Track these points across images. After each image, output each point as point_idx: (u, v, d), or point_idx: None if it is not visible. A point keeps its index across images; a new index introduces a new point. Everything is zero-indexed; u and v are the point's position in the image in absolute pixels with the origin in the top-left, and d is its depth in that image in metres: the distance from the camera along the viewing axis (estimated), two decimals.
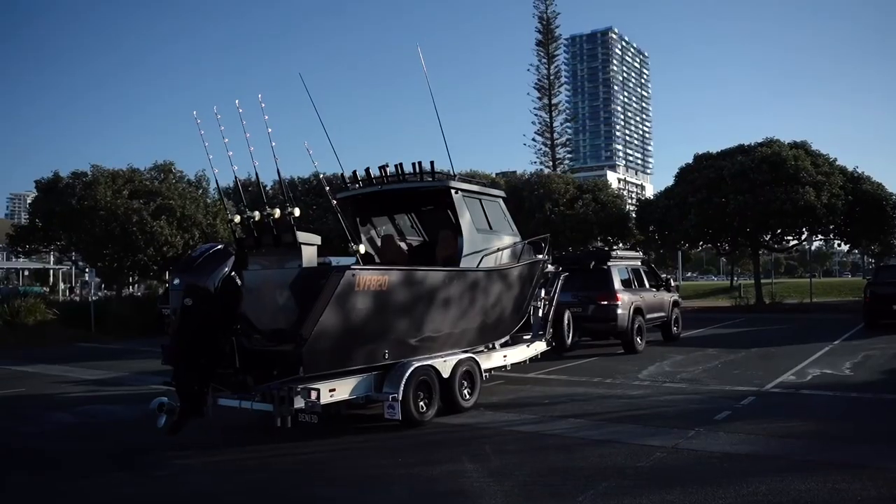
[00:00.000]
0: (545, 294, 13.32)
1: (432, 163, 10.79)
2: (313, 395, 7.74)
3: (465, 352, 10.28)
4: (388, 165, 11.19)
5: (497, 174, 49.92)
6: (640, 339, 16.89)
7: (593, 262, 16.99)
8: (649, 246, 49.44)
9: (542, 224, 38.48)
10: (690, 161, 36.87)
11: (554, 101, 60.27)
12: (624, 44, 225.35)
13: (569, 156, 62.08)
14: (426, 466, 7.31)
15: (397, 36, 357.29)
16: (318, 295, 7.77)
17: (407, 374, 8.79)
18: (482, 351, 11.01)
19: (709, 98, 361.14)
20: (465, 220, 10.62)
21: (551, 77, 60.13)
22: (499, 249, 11.19)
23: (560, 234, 37.05)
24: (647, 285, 18.39)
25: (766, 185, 31.37)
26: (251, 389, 7.98)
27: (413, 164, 10.94)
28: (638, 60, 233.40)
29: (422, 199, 11.92)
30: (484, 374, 10.64)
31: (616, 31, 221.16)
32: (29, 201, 48.17)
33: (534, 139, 59.57)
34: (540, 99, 59.83)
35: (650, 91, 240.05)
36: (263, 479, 7.00)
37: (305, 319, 7.75)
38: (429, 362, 9.33)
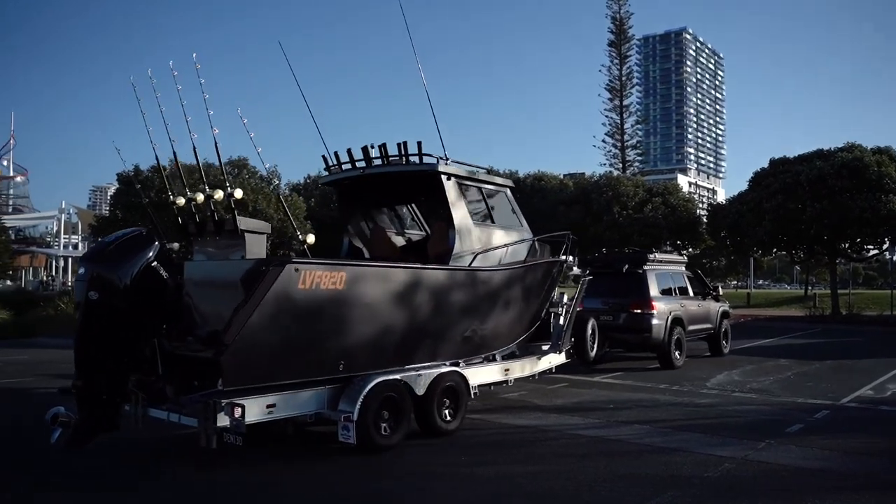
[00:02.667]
0: (567, 300, 11.76)
1: (419, 143, 9.29)
2: (237, 412, 6.41)
3: (450, 364, 8.83)
4: (373, 147, 9.78)
5: (565, 176, 49.68)
6: (679, 354, 15.09)
7: (626, 266, 15.29)
8: (720, 252, 48.36)
9: (610, 227, 38.12)
10: (766, 166, 35.85)
11: (625, 102, 59.71)
12: (698, 44, 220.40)
13: (639, 158, 61.25)
14: (487, 467, 7.30)
15: (459, 35, 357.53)
16: (250, 294, 6.63)
17: (366, 390, 7.38)
18: (477, 363, 9.60)
19: (786, 101, 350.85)
20: (459, 211, 9.23)
21: (623, 78, 59.48)
22: (502, 246, 9.81)
23: (628, 238, 36.60)
24: (691, 293, 16.51)
25: (845, 191, 30.31)
26: (171, 401, 7.01)
27: (398, 145, 9.48)
28: (713, 62, 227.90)
29: (413, 186, 10.52)
30: (474, 391, 9.16)
31: (690, 31, 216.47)
32: (111, 193, 50.12)
33: (604, 141, 59.05)
34: (611, 100, 59.27)
35: (724, 93, 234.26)
36: None
37: (232, 322, 6.56)
38: (398, 376, 7.91)
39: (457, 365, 8.95)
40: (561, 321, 11.26)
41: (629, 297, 14.78)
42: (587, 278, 12.69)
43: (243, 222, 7.56)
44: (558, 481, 6.66)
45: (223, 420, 6.41)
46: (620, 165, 57.47)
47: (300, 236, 7.45)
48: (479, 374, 9.44)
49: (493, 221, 9.88)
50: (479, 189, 9.86)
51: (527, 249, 10.34)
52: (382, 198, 11.15)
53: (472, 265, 9.17)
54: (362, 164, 9.91)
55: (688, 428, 9.04)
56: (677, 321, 15.15)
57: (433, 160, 9.25)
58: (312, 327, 7.13)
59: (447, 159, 9.39)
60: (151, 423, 7.10)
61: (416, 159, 9.36)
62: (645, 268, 15.18)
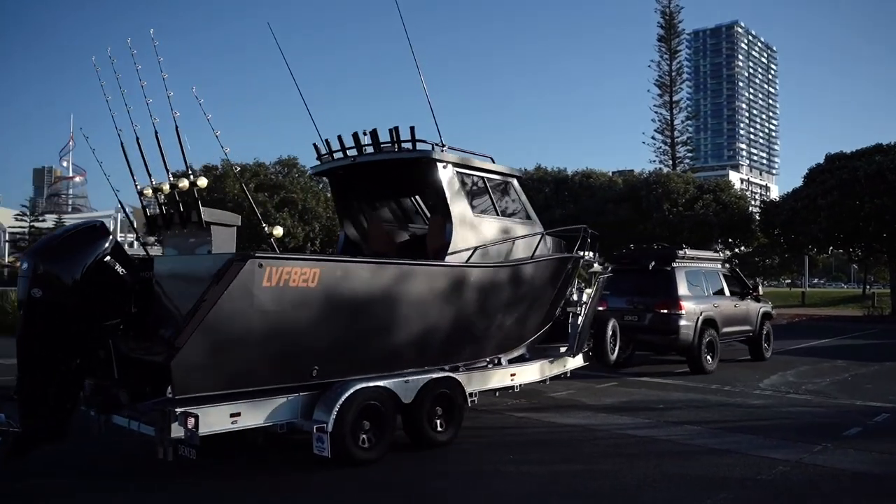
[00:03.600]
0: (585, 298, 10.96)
1: (412, 128, 8.49)
2: (190, 422, 5.81)
3: (443, 369, 8.13)
4: (365, 133, 8.94)
5: (614, 173, 49.15)
6: (712, 357, 14.04)
7: (653, 263, 14.22)
8: (773, 250, 47.30)
9: (660, 224, 37.60)
10: (821, 161, 34.97)
11: (675, 98, 58.57)
12: (750, 38, 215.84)
13: (689, 154, 60.11)
14: (534, 465, 7.26)
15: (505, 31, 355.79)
16: (205, 292, 6.05)
17: (343, 399, 6.71)
18: (480, 367, 8.93)
19: (843, 94, 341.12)
20: (457, 202, 8.50)
21: (673, 73, 58.44)
22: (506, 241, 9.04)
23: (678, 235, 36.05)
24: (727, 293, 15.37)
25: None
26: (129, 407, 6.47)
27: (390, 131, 8.68)
28: (765, 55, 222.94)
29: (409, 175, 9.55)
30: (472, 399, 8.42)
31: (742, 24, 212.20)
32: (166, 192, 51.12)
33: (653, 137, 58.09)
34: (660, 96, 58.28)
35: (777, 87, 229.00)
36: None
37: (185, 323, 5.98)
38: (381, 383, 7.21)
39: (456, 370, 8.40)
40: (579, 321, 10.54)
41: (656, 297, 13.95)
42: (604, 275, 12.01)
43: (210, 214, 6.97)
44: (606, 481, 6.59)
45: (177, 431, 5.82)
46: (670, 162, 56.54)
47: (266, 229, 6.83)
48: (479, 380, 8.69)
49: (498, 214, 9.15)
50: (483, 179, 9.11)
51: (537, 245, 9.48)
52: (380, 189, 10.40)
53: (471, 261, 8.40)
54: (354, 152, 9.16)
55: (740, 429, 8.83)
56: (709, 322, 14.17)
57: (428, 147, 8.55)
58: (279, 330, 6.40)
59: (443, 146, 8.62)
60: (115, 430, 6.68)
61: (409, 147, 8.65)
62: (673, 265, 14.20)
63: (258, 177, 36.44)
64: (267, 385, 6.47)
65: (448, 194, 8.42)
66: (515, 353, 9.68)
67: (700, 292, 14.51)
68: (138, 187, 7.41)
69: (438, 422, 7.84)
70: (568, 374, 10.67)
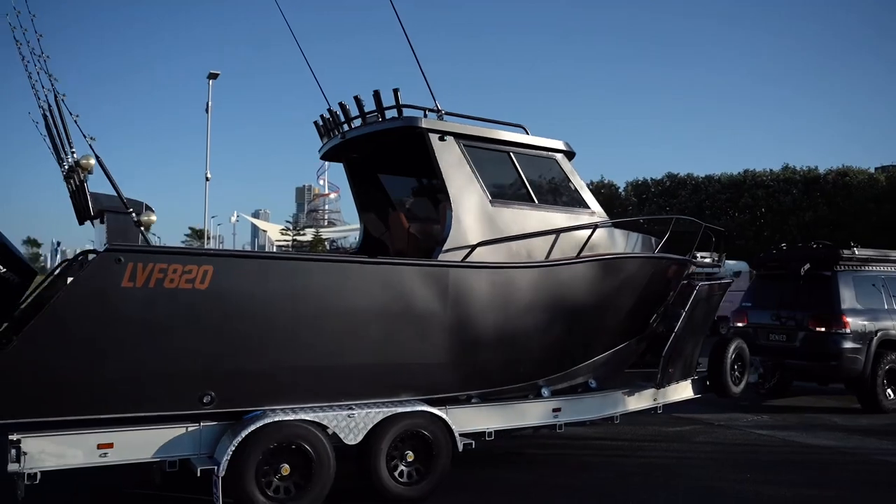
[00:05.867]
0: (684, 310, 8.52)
1: (396, 91, 6.89)
2: (12, 453, 4.85)
3: (423, 401, 6.38)
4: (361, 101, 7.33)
5: (876, 169, 44.38)
6: (894, 392, 10.94)
7: (807, 266, 11.14)
8: None
9: None
10: None
11: None
12: None
13: None
14: (776, 487, 6.81)
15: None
16: (42, 295, 5.06)
17: (241, 437, 5.33)
18: (501, 401, 7.08)
19: None
20: (460, 184, 6.80)
21: None
22: (550, 234, 7.23)
23: None
24: None
25: None
26: None
27: (374, 94, 7.03)
28: None
29: (410, 151, 7.53)
30: (467, 442, 6.51)
31: None
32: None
33: None
34: None
35: None
36: None
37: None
38: (307, 416, 5.71)
39: (464, 401, 6.81)
40: (673, 341, 8.26)
41: (810, 311, 10.86)
42: (701, 283, 9.05)
43: (100, 199, 5.78)
44: None
45: (13, 465, 4.86)
46: None
47: (134, 216, 5.53)
48: (484, 418, 6.87)
49: (533, 201, 7.31)
50: (508, 155, 7.29)
51: (587, 240, 7.38)
52: (393, 171, 8.69)
53: (472, 260, 6.64)
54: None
55: None
56: (889, 346, 10.88)
57: (419, 114, 6.90)
58: (148, 343, 5.19)
59: (439, 111, 6.94)
60: None
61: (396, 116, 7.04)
62: (836, 269, 11.03)
63: None
64: (133, 412, 5.25)
65: (446, 173, 6.76)
66: (573, 381, 7.77)
67: (877, 304, 11.10)
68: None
69: (407, 470, 6.19)
70: (660, 410, 8.59)
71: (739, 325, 11.68)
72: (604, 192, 45.67)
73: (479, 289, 6.67)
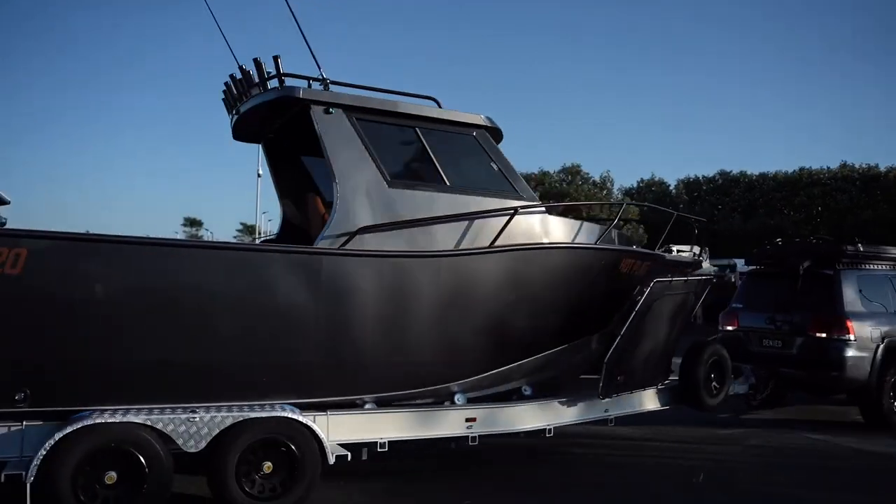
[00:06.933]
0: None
1: (276, 58, 6.21)
2: None
3: (294, 406, 5.71)
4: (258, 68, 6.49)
5: None
6: None
7: (806, 264, 9.95)
8: None
9: None
10: None
11: None
12: None
13: None
14: (826, 493, 6.67)
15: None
16: None
17: (55, 439, 4.84)
18: (404, 408, 6.36)
19: None
20: (348, 163, 6.09)
21: None
22: (456, 221, 6.40)
23: None
24: None
25: None
26: None
27: (255, 62, 6.40)
28: None
29: (303, 126, 6.58)
30: (340, 454, 5.77)
31: None
32: None
33: None
34: None
35: None
36: None
37: None
38: (136, 419, 5.11)
39: (352, 407, 6.08)
40: (618, 345, 7.24)
41: (809, 314, 9.69)
42: (656, 281, 7.58)
43: None
44: None
45: None
46: None
47: None
48: (375, 426, 6.10)
49: (445, 183, 6.51)
50: (414, 130, 6.53)
51: (502, 228, 6.48)
52: (303, 147, 7.76)
53: (362, 246, 5.96)
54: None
55: None
56: None
57: (302, 83, 6.26)
58: None
59: (325, 80, 6.28)
60: None
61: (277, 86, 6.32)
62: (839, 267, 9.86)
63: (542, 185, 37.19)
64: None
65: (331, 149, 6.06)
66: (499, 388, 7.01)
67: (885, 307, 9.93)
68: None
69: (265, 483, 5.51)
70: (611, 423, 7.74)
71: (729, 328, 10.47)
72: (654, 189, 44.36)
73: (363, 280, 5.97)
